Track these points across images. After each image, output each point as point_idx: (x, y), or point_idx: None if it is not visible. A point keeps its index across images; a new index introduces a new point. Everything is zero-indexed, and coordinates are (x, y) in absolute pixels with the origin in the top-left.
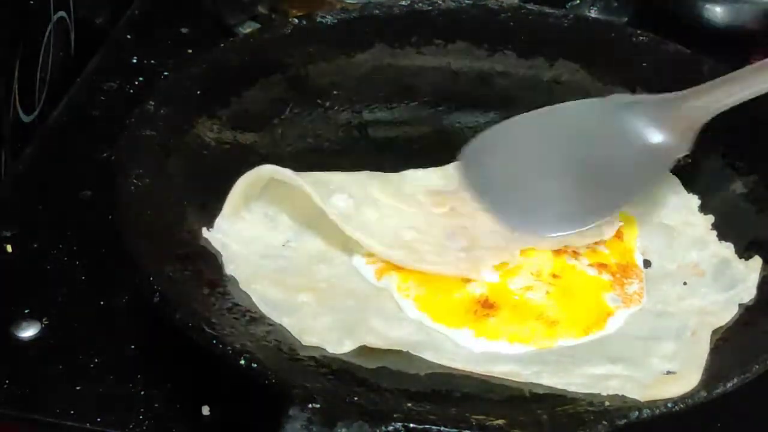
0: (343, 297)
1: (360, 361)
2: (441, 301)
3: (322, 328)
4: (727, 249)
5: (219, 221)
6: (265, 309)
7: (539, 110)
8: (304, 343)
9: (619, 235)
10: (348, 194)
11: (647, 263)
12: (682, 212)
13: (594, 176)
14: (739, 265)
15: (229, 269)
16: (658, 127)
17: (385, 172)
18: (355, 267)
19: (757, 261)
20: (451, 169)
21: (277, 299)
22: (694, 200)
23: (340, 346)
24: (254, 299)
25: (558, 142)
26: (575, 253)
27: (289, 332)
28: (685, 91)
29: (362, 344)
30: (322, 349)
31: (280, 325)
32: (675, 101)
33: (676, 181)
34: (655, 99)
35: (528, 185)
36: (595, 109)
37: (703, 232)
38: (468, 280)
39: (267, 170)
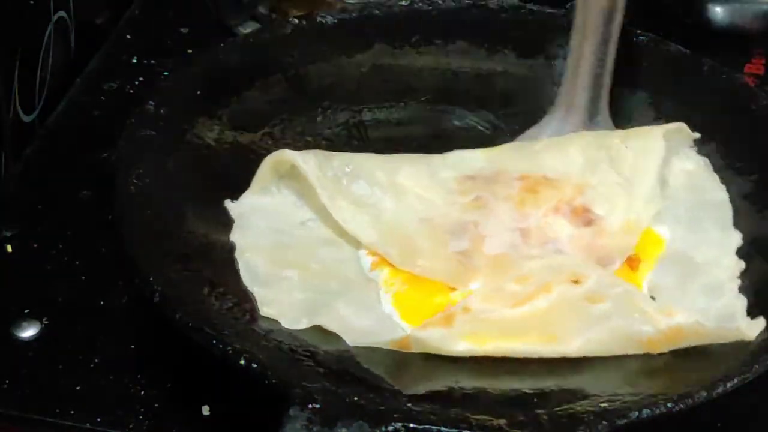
0: (329, 280)
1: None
2: (417, 301)
3: (288, 303)
4: (739, 301)
5: (245, 195)
6: (244, 277)
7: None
8: (261, 314)
9: (632, 263)
10: (370, 182)
11: None
12: (717, 250)
13: None
14: (743, 321)
15: (234, 236)
16: None
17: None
18: (359, 256)
19: (760, 322)
20: (497, 150)
21: (261, 270)
22: (736, 239)
23: (295, 323)
24: (240, 266)
25: None
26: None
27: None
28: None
29: (317, 324)
30: (277, 323)
31: (279, 323)
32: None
33: (728, 213)
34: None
35: None
36: None
37: (726, 279)
38: (454, 288)
39: (289, 156)
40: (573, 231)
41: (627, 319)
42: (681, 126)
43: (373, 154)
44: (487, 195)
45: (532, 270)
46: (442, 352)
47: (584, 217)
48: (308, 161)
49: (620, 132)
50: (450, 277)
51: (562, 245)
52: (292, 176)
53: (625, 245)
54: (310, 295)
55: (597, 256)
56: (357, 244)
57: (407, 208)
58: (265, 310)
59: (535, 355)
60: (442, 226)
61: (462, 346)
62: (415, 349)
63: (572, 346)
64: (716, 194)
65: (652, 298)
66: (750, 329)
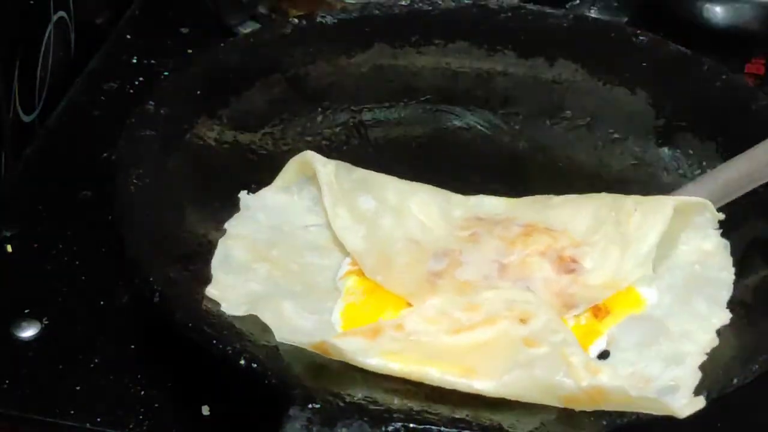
0: (297, 282)
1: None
2: (364, 313)
3: (240, 291)
4: (692, 378)
5: (264, 190)
6: (215, 260)
7: None
8: (206, 293)
9: (597, 312)
10: (378, 199)
11: (604, 354)
12: (696, 324)
13: None
14: (682, 399)
15: (229, 224)
16: None
17: (387, 172)
18: (341, 264)
19: (698, 402)
20: (517, 200)
21: (234, 258)
22: (722, 318)
23: (234, 308)
24: (217, 250)
25: None
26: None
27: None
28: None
29: (254, 314)
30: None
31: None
32: None
33: (725, 294)
34: None
35: None
36: None
37: (691, 352)
38: (410, 303)
39: (309, 158)
40: (551, 275)
41: (550, 369)
42: (704, 203)
43: (396, 178)
44: (483, 232)
45: (485, 299)
46: (355, 363)
47: (568, 265)
48: (327, 166)
49: (636, 197)
50: (409, 291)
51: (534, 285)
52: (313, 180)
53: (595, 296)
54: (266, 289)
55: (564, 302)
56: (345, 254)
57: (403, 229)
58: (210, 291)
59: (448, 386)
60: (428, 249)
61: (375, 360)
62: (333, 356)
63: (488, 384)
64: (721, 274)
65: (607, 351)
66: (684, 408)
